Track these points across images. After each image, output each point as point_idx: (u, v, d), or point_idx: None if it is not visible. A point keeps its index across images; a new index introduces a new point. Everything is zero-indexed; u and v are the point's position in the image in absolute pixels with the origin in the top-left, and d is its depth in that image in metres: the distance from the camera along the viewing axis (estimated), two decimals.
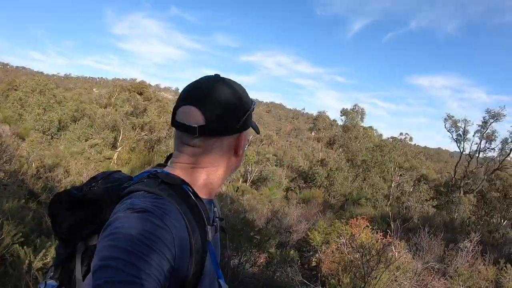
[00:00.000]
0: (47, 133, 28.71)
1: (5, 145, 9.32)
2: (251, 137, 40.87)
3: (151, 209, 0.91)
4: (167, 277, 0.85)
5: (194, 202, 1.04)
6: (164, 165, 1.20)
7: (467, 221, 16.76)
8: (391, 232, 8.73)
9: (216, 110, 1.06)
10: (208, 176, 1.13)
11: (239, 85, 1.17)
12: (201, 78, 1.14)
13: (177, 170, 1.11)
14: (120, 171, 1.25)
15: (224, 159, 1.14)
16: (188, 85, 1.13)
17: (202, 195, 1.11)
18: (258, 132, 1.26)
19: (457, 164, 31.22)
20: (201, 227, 1.01)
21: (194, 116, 1.05)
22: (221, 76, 1.15)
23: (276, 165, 37.89)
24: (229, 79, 1.16)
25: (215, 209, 1.26)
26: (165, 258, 0.85)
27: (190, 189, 1.06)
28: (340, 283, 6.37)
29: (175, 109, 1.10)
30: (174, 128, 1.12)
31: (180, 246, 0.92)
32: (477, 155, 29.83)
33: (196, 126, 1.04)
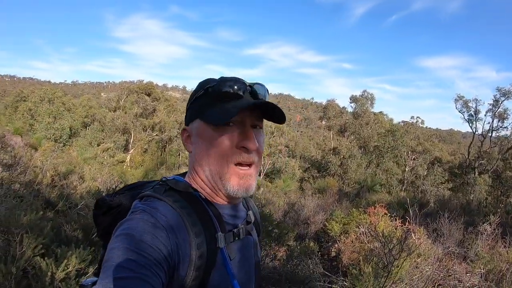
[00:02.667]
0: (59, 141, 29.04)
1: (18, 157, 9.41)
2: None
3: (147, 209, 0.98)
4: (167, 275, 0.90)
5: (203, 208, 1.07)
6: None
7: (484, 202, 16.62)
8: (409, 218, 8.71)
9: None
10: (196, 179, 1.14)
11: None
12: None
13: (187, 179, 1.17)
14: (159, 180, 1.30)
15: (189, 159, 1.19)
16: None
17: (217, 201, 1.13)
18: (213, 123, 1.07)
19: (470, 145, 30.76)
20: (208, 233, 1.03)
21: None
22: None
23: (288, 156, 37.84)
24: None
25: (249, 212, 1.27)
26: (163, 257, 0.90)
27: (202, 196, 1.10)
28: (362, 272, 6.37)
29: None
30: None
31: (177, 245, 0.95)
32: (490, 134, 29.30)
33: None
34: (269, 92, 1.17)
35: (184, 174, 1.22)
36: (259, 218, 1.39)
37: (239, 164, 1.07)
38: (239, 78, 1.09)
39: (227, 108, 1.04)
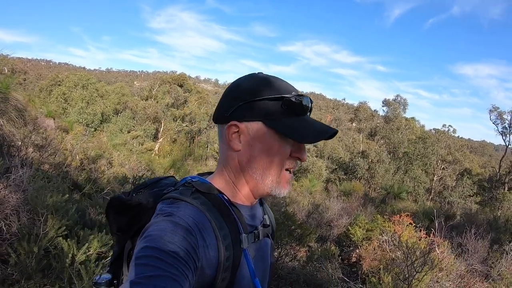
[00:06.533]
0: (90, 126, 29.63)
1: (49, 139, 9.56)
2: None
3: (174, 212, 0.97)
4: (194, 275, 0.90)
5: (227, 209, 1.07)
6: (211, 172, 1.23)
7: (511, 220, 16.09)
8: (434, 230, 8.52)
9: (221, 99, 1.15)
10: (230, 178, 1.14)
11: (260, 77, 1.13)
12: None
13: (214, 178, 1.16)
14: (172, 176, 1.31)
15: (226, 155, 1.15)
16: None
17: (239, 201, 1.14)
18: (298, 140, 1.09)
19: (502, 158, 29.90)
20: (234, 234, 1.04)
21: None
22: (258, 73, 1.16)
23: (316, 156, 37.61)
24: (258, 73, 1.16)
25: (265, 216, 1.29)
26: (191, 257, 0.90)
27: (225, 197, 1.10)
28: (381, 282, 6.28)
29: None
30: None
31: (205, 247, 0.96)
32: None
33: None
34: (301, 90, 1.21)
35: (205, 174, 1.23)
36: (274, 223, 1.40)
37: (287, 170, 1.13)
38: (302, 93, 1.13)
39: (307, 126, 1.09)
